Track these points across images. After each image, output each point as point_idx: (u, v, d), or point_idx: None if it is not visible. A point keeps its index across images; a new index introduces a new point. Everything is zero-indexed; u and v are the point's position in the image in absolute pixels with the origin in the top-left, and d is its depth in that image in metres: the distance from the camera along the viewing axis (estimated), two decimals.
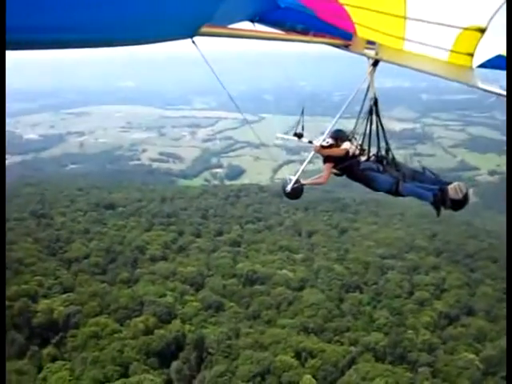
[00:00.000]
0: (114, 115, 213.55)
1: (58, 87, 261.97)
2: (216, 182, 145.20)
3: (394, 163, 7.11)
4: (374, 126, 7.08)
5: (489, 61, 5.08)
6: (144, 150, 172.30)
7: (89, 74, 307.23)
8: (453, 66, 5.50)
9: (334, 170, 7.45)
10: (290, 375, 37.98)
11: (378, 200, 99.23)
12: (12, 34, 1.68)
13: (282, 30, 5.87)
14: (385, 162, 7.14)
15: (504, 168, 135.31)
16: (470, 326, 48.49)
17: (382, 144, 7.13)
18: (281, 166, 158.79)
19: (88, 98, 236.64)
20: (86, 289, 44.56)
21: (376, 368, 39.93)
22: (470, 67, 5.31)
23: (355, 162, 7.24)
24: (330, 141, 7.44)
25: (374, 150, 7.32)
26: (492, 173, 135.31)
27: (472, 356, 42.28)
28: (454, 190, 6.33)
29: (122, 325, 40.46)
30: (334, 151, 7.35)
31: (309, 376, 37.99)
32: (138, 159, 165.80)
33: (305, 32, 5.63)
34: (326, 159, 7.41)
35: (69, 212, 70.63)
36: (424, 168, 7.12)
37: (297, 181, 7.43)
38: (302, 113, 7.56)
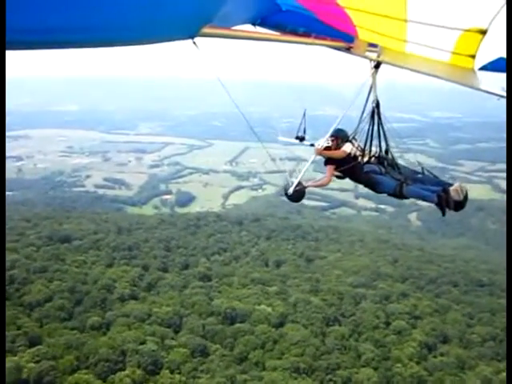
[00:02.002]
0: (54, 139, 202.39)
1: None
2: (166, 210, 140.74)
3: (394, 164, 7.21)
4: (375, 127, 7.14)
5: (490, 63, 5.07)
6: (88, 176, 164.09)
7: (28, 95, 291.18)
8: (454, 67, 5.49)
9: (336, 173, 7.45)
10: None
11: (336, 226, 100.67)
12: (11, 34, 1.67)
13: (284, 33, 5.76)
14: (385, 163, 7.23)
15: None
16: (448, 355, 48.85)
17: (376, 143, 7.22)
18: (231, 192, 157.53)
19: (26, 120, 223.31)
20: (56, 339, 39.49)
21: None
22: (472, 69, 5.31)
23: (357, 164, 7.24)
24: (330, 141, 7.42)
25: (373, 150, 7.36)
26: None
27: None
28: (455, 191, 6.43)
29: (105, 381, 36.00)
30: (335, 153, 7.36)
31: None
32: (82, 185, 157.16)
33: (306, 35, 5.58)
34: (328, 161, 7.42)
35: (20, 247, 64.03)
36: (423, 168, 7.30)
37: (299, 183, 7.31)
38: (304, 115, 7.43)
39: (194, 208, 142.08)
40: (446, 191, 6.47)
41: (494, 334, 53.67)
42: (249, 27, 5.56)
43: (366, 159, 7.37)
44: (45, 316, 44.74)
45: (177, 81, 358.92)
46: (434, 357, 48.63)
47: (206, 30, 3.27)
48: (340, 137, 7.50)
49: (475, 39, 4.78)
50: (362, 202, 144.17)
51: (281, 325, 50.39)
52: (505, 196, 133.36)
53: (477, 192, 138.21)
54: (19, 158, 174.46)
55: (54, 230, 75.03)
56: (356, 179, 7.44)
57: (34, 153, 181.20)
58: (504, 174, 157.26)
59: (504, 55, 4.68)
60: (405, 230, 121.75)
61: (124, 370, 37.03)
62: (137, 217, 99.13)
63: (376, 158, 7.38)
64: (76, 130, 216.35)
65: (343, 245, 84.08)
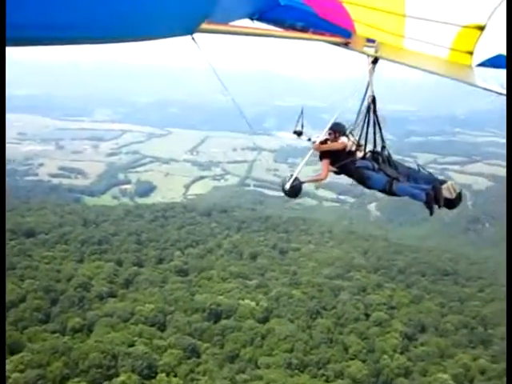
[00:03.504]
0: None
1: None
2: (126, 200, 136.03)
3: (389, 161, 7.13)
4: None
5: (489, 60, 5.04)
6: (41, 165, 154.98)
7: None
8: (452, 64, 5.45)
9: (333, 168, 7.34)
10: None
11: (304, 217, 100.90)
12: (11, 31, 1.67)
13: (282, 27, 5.65)
14: (380, 160, 7.14)
15: None
16: (428, 344, 50.06)
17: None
18: (192, 182, 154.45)
19: None
20: (40, 344, 36.34)
21: None
22: (470, 65, 5.28)
23: (351, 160, 7.20)
24: (328, 134, 7.32)
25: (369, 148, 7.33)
26: None
27: (445, 376, 43.36)
28: (447, 189, 6.41)
29: None
30: (334, 145, 7.29)
31: None
32: (35, 174, 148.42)
33: (304, 30, 5.53)
34: (323, 155, 7.28)
35: None
36: (419, 165, 7.22)
37: (295, 178, 7.13)
38: (302, 111, 7.28)
39: (155, 198, 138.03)
40: (435, 189, 6.43)
41: (466, 322, 55.68)
42: (247, 22, 5.43)
43: (361, 154, 7.28)
44: (21, 318, 41.21)
45: (132, 67, 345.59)
46: (415, 347, 49.68)
47: (203, 25, 3.20)
48: (338, 130, 7.34)
49: (473, 35, 4.73)
50: (322, 192, 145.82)
51: (266, 320, 49.52)
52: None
53: None
54: None
55: (16, 222, 69.90)
56: (348, 174, 7.27)
57: None
58: (455, 167, 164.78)
59: (503, 52, 4.58)
60: (365, 220, 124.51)
61: (118, 375, 34.60)
62: (101, 208, 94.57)
63: (372, 153, 7.26)
64: (27, 116, 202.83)
65: (313, 236, 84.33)
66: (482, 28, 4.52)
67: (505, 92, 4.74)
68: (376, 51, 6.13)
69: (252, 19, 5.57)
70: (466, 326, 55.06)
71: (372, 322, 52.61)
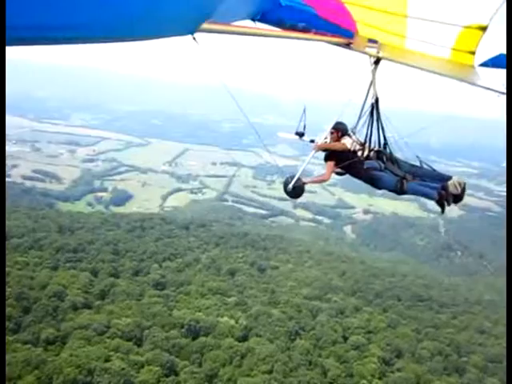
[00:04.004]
0: None
1: None
2: (100, 207, 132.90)
3: (392, 159, 7.21)
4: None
5: (491, 59, 5.07)
6: (14, 166, 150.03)
7: None
8: (454, 64, 5.44)
9: (337, 169, 7.38)
10: None
11: (282, 236, 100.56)
12: (11, 31, 1.68)
13: (283, 28, 5.62)
14: (384, 158, 7.21)
15: (376, 209, 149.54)
16: (405, 370, 49.94)
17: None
18: (170, 194, 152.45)
19: None
20: (11, 356, 34.24)
21: None
22: (472, 65, 5.27)
23: (357, 160, 7.18)
24: (330, 134, 7.32)
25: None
26: (366, 212, 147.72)
27: None
28: (453, 185, 6.57)
29: None
30: (335, 145, 7.26)
31: None
32: (8, 176, 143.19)
33: (306, 30, 5.51)
34: (328, 157, 7.28)
35: None
36: (421, 162, 7.30)
37: (298, 179, 7.20)
38: (304, 111, 7.29)
39: (131, 207, 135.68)
40: (445, 188, 6.55)
41: (440, 348, 55.99)
42: (248, 23, 5.43)
43: (365, 154, 7.30)
44: None
45: (114, 75, 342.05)
46: (392, 372, 49.49)
47: (205, 25, 3.20)
48: (340, 130, 7.33)
49: (475, 36, 4.71)
50: (299, 212, 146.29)
51: (245, 338, 48.53)
52: (430, 215, 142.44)
53: (404, 209, 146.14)
54: None
55: None
56: (356, 175, 7.31)
57: None
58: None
59: (504, 51, 4.61)
60: (342, 242, 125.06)
61: None
62: (76, 214, 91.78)
63: (375, 152, 7.33)
64: None
65: (292, 255, 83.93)
66: (484, 28, 4.51)
67: (505, 91, 4.77)
68: (378, 52, 6.11)
69: (254, 20, 5.55)
70: (441, 352, 55.32)
71: (350, 345, 52.24)
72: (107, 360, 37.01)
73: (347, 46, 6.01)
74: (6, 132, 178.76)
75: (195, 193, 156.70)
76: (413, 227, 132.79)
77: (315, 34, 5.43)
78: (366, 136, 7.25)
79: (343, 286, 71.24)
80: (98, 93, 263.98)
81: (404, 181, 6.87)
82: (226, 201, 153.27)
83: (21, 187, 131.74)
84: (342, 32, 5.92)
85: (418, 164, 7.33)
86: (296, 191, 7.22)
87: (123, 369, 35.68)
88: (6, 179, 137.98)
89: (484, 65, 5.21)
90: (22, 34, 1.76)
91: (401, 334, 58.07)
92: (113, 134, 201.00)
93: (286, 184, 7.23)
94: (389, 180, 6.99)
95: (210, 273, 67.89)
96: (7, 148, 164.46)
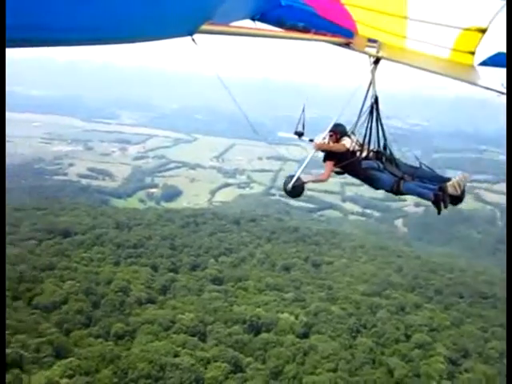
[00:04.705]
0: (31, 124, 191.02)
1: None
2: (152, 203, 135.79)
3: (392, 160, 7.14)
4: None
5: (490, 58, 4.98)
6: (70, 165, 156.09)
7: None
8: (454, 63, 5.39)
9: (336, 169, 7.37)
10: None
11: (333, 230, 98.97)
12: (11, 31, 1.68)
13: (283, 28, 5.56)
14: (384, 159, 7.13)
15: (427, 200, 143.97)
16: (473, 371, 47.70)
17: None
18: (218, 189, 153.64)
19: None
20: (86, 350, 35.36)
21: None
22: (472, 65, 5.20)
23: (356, 160, 7.13)
24: (329, 136, 7.32)
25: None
26: (417, 204, 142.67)
27: None
28: (452, 186, 6.43)
29: None
30: (334, 147, 7.27)
31: None
32: (65, 174, 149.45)
33: (306, 30, 5.43)
34: (327, 157, 7.31)
35: (19, 240, 58.80)
36: (421, 163, 7.19)
37: (298, 179, 7.21)
38: (303, 111, 7.30)
39: (181, 203, 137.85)
40: (442, 189, 6.47)
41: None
42: (248, 23, 5.37)
43: (364, 154, 7.23)
44: (64, 320, 40.35)
45: (161, 72, 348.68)
46: (460, 373, 47.38)
47: (204, 26, 3.18)
48: (338, 131, 7.38)
49: (475, 37, 4.67)
50: (348, 205, 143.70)
51: (307, 335, 47.90)
52: (487, 206, 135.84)
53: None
54: None
55: (50, 222, 69.88)
56: (354, 175, 7.31)
57: (12, 138, 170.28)
58: (483, 185, 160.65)
59: (503, 50, 4.55)
60: (394, 236, 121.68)
61: None
62: (131, 211, 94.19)
63: (374, 153, 7.24)
64: (54, 116, 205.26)
65: (345, 250, 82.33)
66: (483, 31, 4.49)
67: (505, 91, 4.71)
68: (378, 51, 6.10)
69: (253, 20, 5.51)
70: None
71: (414, 343, 50.43)
72: (176, 355, 37.45)
73: (347, 45, 6.00)
74: (60, 133, 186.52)
75: (243, 187, 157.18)
76: (468, 220, 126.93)
77: (315, 33, 5.40)
78: (365, 136, 7.19)
79: (401, 281, 69.00)
80: (144, 92, 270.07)
81: (401, 181, 6.80)
82: (273, 195, 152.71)
83: (77, 185, 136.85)
84: (342, 31, 5.89)
85: (417, 166, 7.23)
86: (296, 190, 7.28)
87: (193, 365, 35.98)
88: (63, 178, 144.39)
89: (483, 64, 5.16)
90: (21, 34, 1.74)
91: (466, 332, 55.58)
92: (160, 131, 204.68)
93: (285, 183, 7.28)
94: (386, 180, 6.93)
95: (265, 268, 67.74)
96: (62, 148, 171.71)
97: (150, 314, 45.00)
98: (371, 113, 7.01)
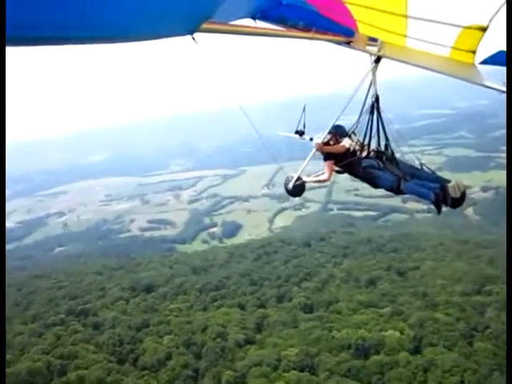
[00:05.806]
0: (90, 190, 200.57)
1: (25, 171, 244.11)
2: (215, 242, 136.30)
3: (393, 159, 7.06)
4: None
5: (491, 57, 4.95)
6: (132, 221, 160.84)
7: (56, 153, 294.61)
8: (455, 62, 5.34)
9: (336, 168, 7.32)
10: None
11: (407, 234, 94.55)
12: (11, 30, 1.67)
13: (284, 27, 5.56)
14: (384, 158, 7.06)
15: (495, 183, 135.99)
16: None
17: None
18: (275, 215, 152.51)
19: (60, 176, 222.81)
20: None
21: None
22: (472, 64, 5.18)
23: (356, 159, 7.10)
24: (328, 137, 7.33)
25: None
26: (485, 189, 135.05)
27: None
28: (452, 188, 6.32)
29: None
30: (334, 148, 7.29)
31: None
32: (128, 230, 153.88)
33: (307, 29, 5.47)
34: (327, 156, 7.29)
35: (108, 303, 59.79)
36: (421, 164, 7.10)
37: (298, 178, 7.26)
38: (304, 110, 7.33)
39: (243, 236, 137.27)
40: (443, 189, 6.34)
41: None
42: (249, 21, 5.30)
43: (364, 154, 7.16)
44: (174, 377, 39.73)
45: (189, 117, 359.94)
46: None
47: (205, 25, 3.17)
48: (338, 133, 7.38)
49: (476, 36, 4.63)
50: (410, 205, 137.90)
51: (418, 350, 44.54)
52: None
53: None
54: (62, 214, 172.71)
55: (131, 279, 70.93)
56: (354, 174, 7.28)
57: (75, 206, 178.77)
58: None
59: (503, 48, 4.54)
60: (468, 226, 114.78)
61: None
62: (201, 253, 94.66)
63: (375, 152, 7.16)
64: (109, 178, 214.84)
65: (426, 251, 77.97)
66: (484, 29, 4.42)
67: (505, 89, 4.66)
68: (379, 50, 6.06)
69: (254, 18, 5.46)
70: None
71: None
72: None
73: (348, 44, 5.97)
74: (117, 191, 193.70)
75: (299, 209, 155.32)
76: None
77: (316, 32, 5.39)
78: (365, 136, 7.11)
79: (497, 273, 63.78)
80: (184, 136, 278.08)
81: (402, 180, 6.69)
82: (331, 210, 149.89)
83: (142, 239, 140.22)
84: (343, 30, 5.82)
85: (417, 166, 7.10)
86: (296, 190, 7.36)
87: None
88: (128, 234, 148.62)
89: (484, 62, 5.08)
90: (21, 33, 1.72)
91: None
92: (208, 171, 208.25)
93: (286, 183, 7.37)
94: (386, 179, 6.82)
95: (350, 286, 64.94)
96: (121, 206, 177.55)
97: (254, 355, 43.54)
98: (372, 112, 6.88)
